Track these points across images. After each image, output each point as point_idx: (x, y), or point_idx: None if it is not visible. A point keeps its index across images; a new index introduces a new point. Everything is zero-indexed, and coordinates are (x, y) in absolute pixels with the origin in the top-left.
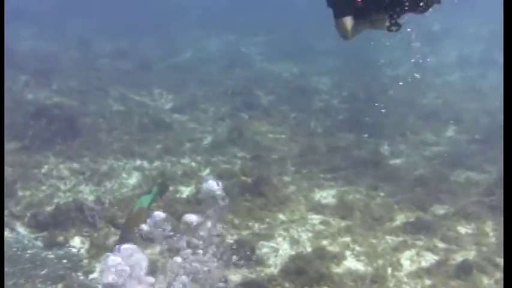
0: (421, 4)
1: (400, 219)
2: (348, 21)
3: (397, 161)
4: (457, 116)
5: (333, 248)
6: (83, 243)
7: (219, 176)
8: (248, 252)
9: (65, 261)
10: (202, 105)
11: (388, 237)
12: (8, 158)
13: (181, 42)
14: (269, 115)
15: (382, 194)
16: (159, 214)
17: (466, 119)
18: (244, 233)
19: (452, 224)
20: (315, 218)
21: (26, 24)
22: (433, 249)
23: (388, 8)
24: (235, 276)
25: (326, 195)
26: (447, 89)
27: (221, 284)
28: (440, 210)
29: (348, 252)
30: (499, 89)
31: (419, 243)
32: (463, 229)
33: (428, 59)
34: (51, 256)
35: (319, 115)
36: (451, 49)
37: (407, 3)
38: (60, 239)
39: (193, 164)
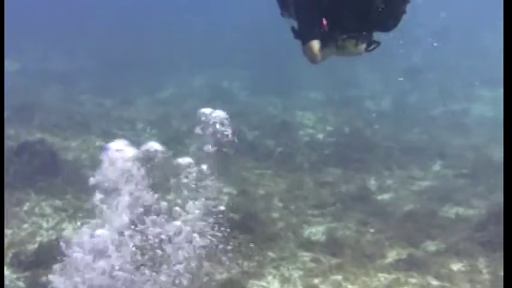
0: (390, 21)
1: (391, 256)
2: (316, 44)
3: (385, 196)
4: (442, 151)
5: (325, 287)
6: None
7: (206, 214)
8: None
9: None
10: (186, 140)
11: (380, 274)
12: None
13: (163, 77)
14: (254, 150)
15: (371, 230)
16: None
17: (452, 154)
18: (234, 271)
19: (445, 261)
20: (305, 255)
21: (7, 60)
22: (426, 287)
23: (354, 31)
24: None
25: (315, 232)
26: (431, 124)
27: None
28: (431, 246)
29: None
30: (483, 124)
31: (413, 280)
32: (455, 266)
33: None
34: None
35: (304, 150)
36: (433, 83)
37: (375, 23)
38: (43, 279)
39: (178, 200)
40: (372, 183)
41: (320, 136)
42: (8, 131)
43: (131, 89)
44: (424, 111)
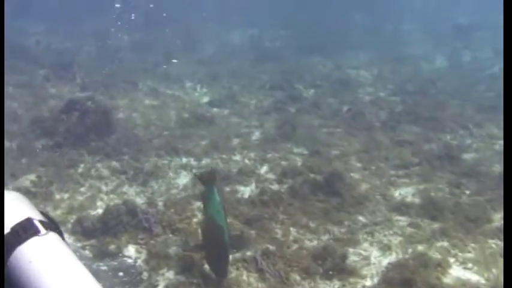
0: None
1: (497, 220)
2: None
3: (470, 156)
4: None
5: (433, 255)
6: (139, 252)
7: (282, 174)
8: (338, 261)
9: (121, 274)
10: (242, 99)
11: (490, 240)
12: (39, 157)
13: (202, 36)
14: (318, 108)
15: (467, 192)
16: None
17: None
18: (324, 238)
19: None
20: (401, 220)
21: (33, 21)
22: None
23: None
24: None
25: (405, 194)
26: (494, 82)
27: None
28: None
29: (451, 259)
30: None
31: None
32: None
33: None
34: (104, 268)
35: (371, 108)
36: (484, 42)
37: None
38: (112, 247)
39: (246, 161)
40: (451, 142)
41: (382, 94)
42: (49, 89)
43: (170, 47)
44: (482, 70)
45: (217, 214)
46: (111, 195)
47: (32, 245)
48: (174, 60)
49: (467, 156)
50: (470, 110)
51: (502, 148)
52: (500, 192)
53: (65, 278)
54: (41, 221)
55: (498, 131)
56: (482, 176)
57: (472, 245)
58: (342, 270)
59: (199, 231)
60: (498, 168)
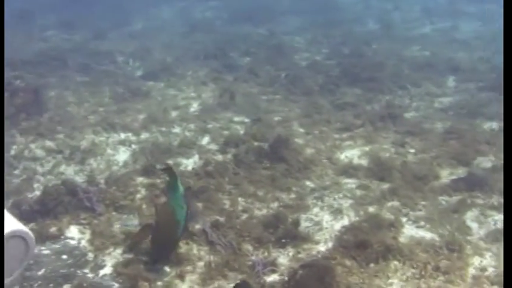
0: None
1: (445, 176)
2: None
3: (410, 115)
4: (452, 66)
5: (385, 215)
6: (82, 232)
7: (225, 144)
8: (289, 228)
9: (64, 257)
10: (177, 71)
11: (440, 197)
12: None
13: (131, 11)
14: (255, 76)
15: (412, 150)
16: None
17: (463, 68)
18: (273, 206)
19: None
20: (350, 182)
21: None
22: (498, 208)
23: None
24: (283, 259)
25: (351, 156)
26: (427, 41)
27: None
28: (486, 163)
29: (403, 219)
30: (479, 38)
31: (479, 201)
32: None
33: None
34: (47, 252)
35: (308, 73)
36: (412, 3)
37: None
38: (53, 230)
39: (187, 133)
40: (393, 102)
41: (318, 58)
42: None
43: (98, 23)
44: (414, 30)
45: (178, 208)
46: (48, 176)
47: None
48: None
49: (408, 115)
50: (406, 70)
51: (441, 106)
52: (445, 148)
53: None
54: None
55: (436, 89)
56: (425, 134)
57: (423, 202)
58: (295, 237)
59: (155, 215)
60: (440, 125)
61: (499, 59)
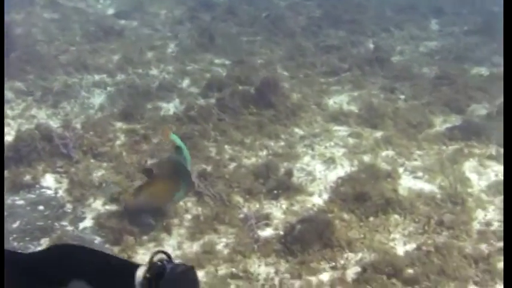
0: None
1: (439, 123)
2: None
3: (395, 59)
4: (434, 8)
5: (381, 165)
6: (58, 182)
7: (207, 87)
8: (281, 179)
9: (41, 207)
10: (150, 9)
11: (435, 146)
12: None
13: None
14: (234, 15)
15: (402, 96)
16: None
17: (447, 11)
18: (261, 154)
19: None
20: (341, 130)
21: None
22: (496, 158)
23: None
24: (276, 211)
25: (340, 102)
26: None
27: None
28: (480, 110)
29: (400, 169)
30: None
31: (476, 151)
32: None
33: None
34: (21, 202)
35: (289, 13)
36: None
37: None
38: (28, 178)
39: (165, 75)
40: (378, 45)
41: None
42: None
43: None
44: None
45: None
46: (19, 120)
47: None
48: None
49: (394, 59)
50: (389, 12)
51: (427, 50)
52: (437, 94)
53: None
54: None
55: (419, 32)
56: (414, 79)
57: (418, 152)
58: (288, 188)
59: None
60: (427, 70)
61: (483, 3)
